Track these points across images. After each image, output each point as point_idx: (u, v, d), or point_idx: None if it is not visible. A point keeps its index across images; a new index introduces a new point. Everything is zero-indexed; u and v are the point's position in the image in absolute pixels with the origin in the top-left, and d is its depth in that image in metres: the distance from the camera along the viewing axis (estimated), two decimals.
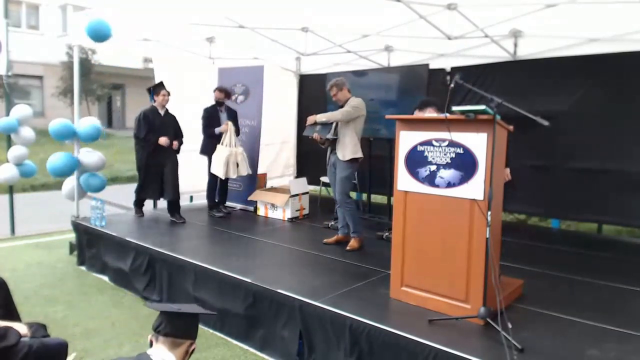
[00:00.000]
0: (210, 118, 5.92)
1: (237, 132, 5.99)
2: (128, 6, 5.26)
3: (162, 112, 5.63)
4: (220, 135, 5.84)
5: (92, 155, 5.66)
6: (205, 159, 6.06)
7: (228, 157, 5.71)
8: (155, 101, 5.61)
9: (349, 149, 4.45)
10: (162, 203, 6.58)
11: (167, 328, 1.87)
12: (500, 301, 2.67)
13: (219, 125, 5.90)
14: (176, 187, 5.69)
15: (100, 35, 5.03)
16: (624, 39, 4.77)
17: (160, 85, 5.67)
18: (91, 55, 18.64)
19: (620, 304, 3.32)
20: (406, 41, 5.86)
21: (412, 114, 3.61)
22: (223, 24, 5.69)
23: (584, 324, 2.95)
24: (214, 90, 6.01)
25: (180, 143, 5.74)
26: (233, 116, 6.07)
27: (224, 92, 6.01)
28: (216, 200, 6.24)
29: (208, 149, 5.94)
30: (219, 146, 5.81)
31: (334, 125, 4.58)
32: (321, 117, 4.57)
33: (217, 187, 6.17)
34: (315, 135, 4.61)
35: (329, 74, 7.18)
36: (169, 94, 5.65)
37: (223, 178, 5.86)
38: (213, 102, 5.99)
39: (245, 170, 5.90)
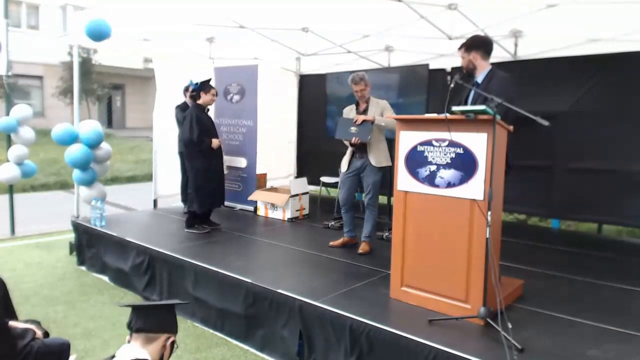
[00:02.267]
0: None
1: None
2: (128, 6, 5.26)
3: (206, 112, 5.24)
4: None
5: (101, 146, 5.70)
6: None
7: None
8: (199, 98, 5.07)
9: (383, 155, 4.35)
10: (164, 203, 6.61)
11: (138, 323, 1.81)
12: (500, 301, 2.67)
13: None
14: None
15: (99, 35, 5.04)
16: (624, 39, 4.77)
17: (209, 83, 5.17)
18: (92, 54, 18.66)
19: (620, 304, 3.32)
20: (406, 41, 5.86)
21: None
22: (223, 24, 5.69)
23: (584, 324, 2.95)
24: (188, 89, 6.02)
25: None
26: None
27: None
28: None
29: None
30: None
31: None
32: (380, 121, 4.22)
33: None
34: (355, 140, 4.26)
35: (329, 74, 7.20)
36: (217, 94, 5.32)
37: None
38: (184, 100, 6.04)
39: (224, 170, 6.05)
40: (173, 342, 1.88)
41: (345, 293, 3.40)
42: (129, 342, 1.84)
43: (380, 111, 4.34)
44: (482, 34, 4.86)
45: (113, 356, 1.78)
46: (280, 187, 6.65)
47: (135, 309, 1.84)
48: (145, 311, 1.83)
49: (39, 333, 2.46)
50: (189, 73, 6.56)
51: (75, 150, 5.33)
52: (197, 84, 5.11)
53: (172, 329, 1.90)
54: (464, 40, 3.45)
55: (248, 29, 5.79)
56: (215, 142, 5.09)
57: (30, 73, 18.81)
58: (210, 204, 5.26)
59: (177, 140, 6.04)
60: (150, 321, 1.82)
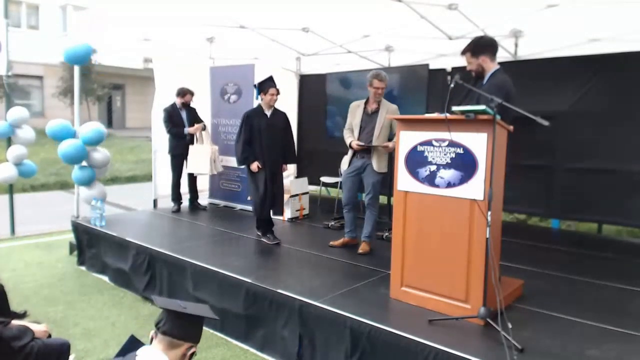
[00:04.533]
0: (174, 117, 6.09)
1: (204, 127, 6.28)
2: (128, 6, 5.26)
3: (268, 113, 4.79)
4: (187, 134, 6.09)
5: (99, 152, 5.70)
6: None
7: (212, 155, 6.02)
8: (262, 100, 4.77)
9: (384, 161, 4.35)
10: (164, 203, 6.61)
11: (166, 326, 1.78)
12: (500, 301, 2.67)
13: (182, 123, 6.12)
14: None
15: (81, 60, 5.15)
16: (624, 39, 4.76)
17: (270, 81, 4.73)
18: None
19: (620, 304, 3.32)
20: (406, 41, 5.85)
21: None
22: (223, 24, 5.69)
23: (584, 324, 2.95)
24: (181, 94, 6.13)
25: (292, 160, 5.08)
26: (193, 113, 6.29)
27: (190, 93, 6.21)
28: (184, 198, 6.46)
29: (177, 149, 6.13)
30: (197, 145, 6.08)
31: (376, 133, 4.34)
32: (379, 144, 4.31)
33: (188, 185, 6.44)
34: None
35: (329, 74, 7.20)
36: (278, 92, 4.74)
37: (209, 174, 6.24)
38: (173, 102, 6.14)
39: (220, 167, 6.24)
40: (193, 353, 1.85)
41: (345, 293, 3.40)
42: (152, 340, 1.82)
43: (389, 115, 4.32)
44: (482, 34, 4.87)
45: (135, 355, 1.76)
46: None
47: (169, 311, 1.80)
48: (177, 316, 1.79)
49: (42, 335, 2.46)
50: (189, 73, 6.58)
51: (68, 145, 5.33)
52: (255, 85, 4.86)
53: (197, 339, 1.88)
54: (465, 42, 3.42)
55: (248, 29, 5.79)
56: (253, 166, 4.69)
57: (30, 73, 18.83)
58: (266, 211, 4.85)
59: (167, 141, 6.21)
60: (178, 327, 1.79)
